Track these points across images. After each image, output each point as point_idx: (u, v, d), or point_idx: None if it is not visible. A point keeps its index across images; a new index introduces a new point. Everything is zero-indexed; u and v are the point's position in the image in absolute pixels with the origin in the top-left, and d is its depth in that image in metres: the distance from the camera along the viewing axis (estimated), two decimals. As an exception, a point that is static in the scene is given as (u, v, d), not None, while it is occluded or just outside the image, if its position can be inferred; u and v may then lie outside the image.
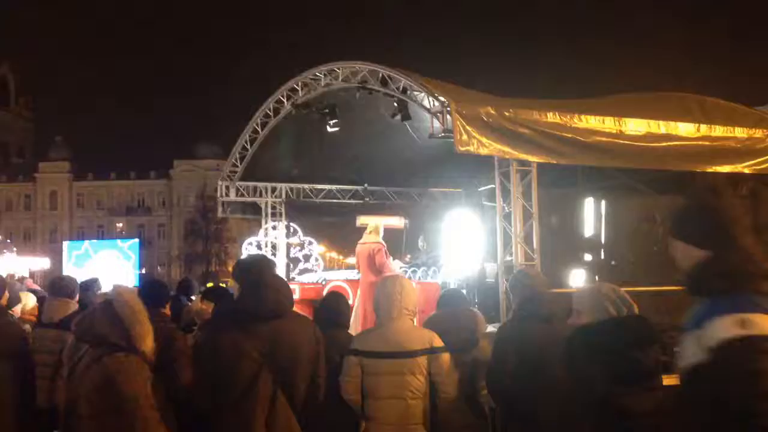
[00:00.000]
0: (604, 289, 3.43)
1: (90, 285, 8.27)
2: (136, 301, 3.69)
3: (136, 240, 44.43)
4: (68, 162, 74.92)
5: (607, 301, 3.34)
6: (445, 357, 4.45)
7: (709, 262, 2.37)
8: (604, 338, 3.10)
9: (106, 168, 75.50)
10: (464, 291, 8.89)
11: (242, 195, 15.40)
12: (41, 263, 35.30)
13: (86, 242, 43.87)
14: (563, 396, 3.23)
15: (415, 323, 4.64)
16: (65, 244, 42.76)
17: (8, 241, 38.90)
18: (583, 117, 8.85)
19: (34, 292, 7.87)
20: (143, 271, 39.53)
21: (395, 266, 10.64)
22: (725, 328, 2.19)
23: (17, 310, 6.05)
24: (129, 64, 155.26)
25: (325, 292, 9.17)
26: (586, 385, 3.03)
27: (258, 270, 4.02)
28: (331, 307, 4.96)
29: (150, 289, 4.78)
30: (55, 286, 5.74)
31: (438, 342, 4.47)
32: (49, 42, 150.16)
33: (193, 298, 8.12)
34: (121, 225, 73.00)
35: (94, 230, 72.00)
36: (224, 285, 8.71)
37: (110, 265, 34.37)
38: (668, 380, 3.00)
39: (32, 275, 26.34)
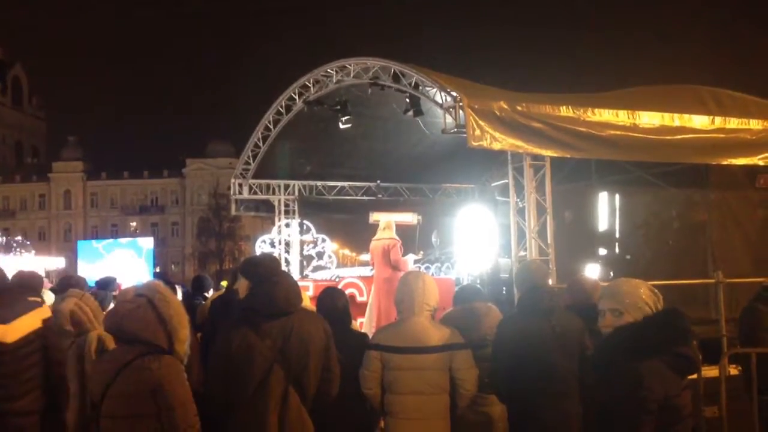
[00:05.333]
0: (642, 287, 3.36)
1: (107, 283, 8.33)
2: (177, 302, 3.59)
3: (151, 238, 44.57)
4: (81, 161, 75.34)
5: (644, 298, 3.28)
6: (465, 353, 4.47)
7: None
8: (653, 336, 3.04)
9: (119, 167, 75.88)
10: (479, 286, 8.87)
11: (255, 193, 15.42)
12: (56, 263, 35.46)
13: (95, 241, 44.09)
14: (594, 397, 3.15)
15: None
16: (79, 243, 42.96)
17: (28, 242, 39.05)
18: (596, 110, 8.81)
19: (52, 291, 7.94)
20: (157, 269, 39.68)
21: (410, 261, 10.63)
22: None
23: None
24: (141, 63, 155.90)
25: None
26: (633, 387, 2.95)
27: (267, 268, 4.02)
28: (326, 305, 4.92)
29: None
30: (64, 284, 5.79)
31: (458, 338, 4.49)
32: (60, 42, 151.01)
33: (207, 295, 8.15)
34: (134, 224, 73.36)
35: (108, 229, 72.39)
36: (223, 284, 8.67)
37: (125, 264, 34.51)
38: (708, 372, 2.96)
39: (48, 275, 26.51)
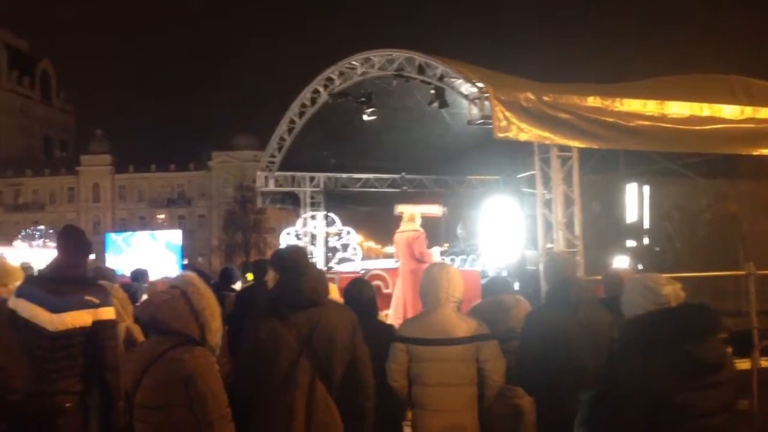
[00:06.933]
0: (647, 280, 3.28)
1: (139, 275, 8.44)
2: (210, 293, 3.61)
3: (179, 231, 44.92)
4: (109, 155, 76.16)
5: (647, 291, 3.20)
6: (492, 344, 4.45)
7: None
8: (657, 330, 2.96)
9: (146, 160, 76.54)
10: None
11: (281, 185, 15.49)
12: (86, 255, 35.86)
13: (123, 233, 44.47)
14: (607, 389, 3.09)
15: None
16: (107, 235, 43.39)
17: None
18: (624, 100, 8.70)
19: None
20: (186, 262, 40.00)
21: (436, 253, 10.60)
22: None
23: None
24: (167, 57, 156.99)
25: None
26: (640, 381, 2.89)
27: (294, 260, 4.04)
28: (353, 297, 4.94)
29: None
30: (93, 276, 5.86)
31: (484, 329, 4.47)
32: (87, 37, 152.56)
33: (234, 287, 8.20)
34: (162, 216, 74.06)
35: (135, 222, 73.11)
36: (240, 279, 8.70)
37: (153, 256, 34.83)
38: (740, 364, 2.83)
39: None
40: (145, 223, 71.63)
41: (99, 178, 76.48)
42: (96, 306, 4.17)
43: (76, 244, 4.39)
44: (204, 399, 3.33)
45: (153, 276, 8.99)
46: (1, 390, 3.51)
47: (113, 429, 4.27)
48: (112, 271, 6.84)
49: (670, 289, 3.19)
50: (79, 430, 4.14)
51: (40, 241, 44.75)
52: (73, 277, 4.24)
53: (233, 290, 7.85)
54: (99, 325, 4.18)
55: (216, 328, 3.53)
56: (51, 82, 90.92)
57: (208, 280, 4.87)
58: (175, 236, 41.23)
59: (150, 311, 3.61)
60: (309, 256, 14.34)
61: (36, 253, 28.15)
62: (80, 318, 4.12)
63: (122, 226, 68.28)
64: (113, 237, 42.07)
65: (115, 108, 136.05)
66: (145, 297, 6.35)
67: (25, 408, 3.65)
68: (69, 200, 77.20)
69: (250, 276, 9.36)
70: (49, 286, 4.19)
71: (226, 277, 8.37)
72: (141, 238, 40.76)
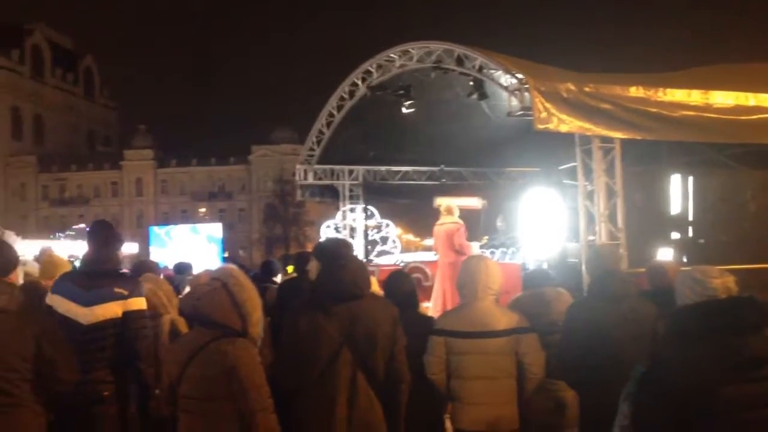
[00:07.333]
0: (696, 272, 3.26)
1: (184, 268, 8.58)
2: (251, 285, 3.63)
3: (219, 224, 45.42)
4: (152, 149, 77.29)
5: (696, 283, 3.18)
6: (532, 337, 4.41)
7: None
8: (702, 321, 2.91)
9: (187, 155, 77.51)
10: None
11: (320, 178, 15.57)
12: (130, 248, 36.52)
13: (166, 227, 45.09)
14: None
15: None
16: (150, 228, 44.09)
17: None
18: (668, 90, 8.56)
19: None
20: (226, 255, 40.45)
21: (475, 247, 10.57)
22: None
23: None
24: (207, 51, 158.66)
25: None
26: (684, 371, 2.85)
27: (336, 251, 4.06)
28: (392, 289, 4.93)
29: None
30: (139, 269, 5.98)
31: (524, 322, 4.43)
32: (129, 33, 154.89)
33: (275, 279, 8.26)
34: (203, 210, 74.97)
35: (177, 215, 74.09)
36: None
37: (195, 249, 35.28)
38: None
39: (122, 259, 27.30)
40: (187, 216, 72.56)
41: (142, 173, 77.69)
42: (125, 297, 4.28)
43: (106, 238, 4.51)
44: (246, 390, 3.36)
45: (196, 269, 9.11)
46: (50, 381, 3.62)
47: (151, 416, 4.39)
48: (156, 264, 6.96)
49: (720, 282, 3.14)
50: (116, 418, 4.26)
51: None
52: (104, 271, 4.36)
53: (274, 283, 7.90)
54: (129, 316, 4.29)
55: (257, 320, 3.55)
56: (94, 78, 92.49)
57: (248, 272, 4.92)
58: (216, 229, 41.70)
59: (192, 303, 3.68)
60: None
61: (81, 247, 28.73)
62: (110, 310, 4.24)
63: (165, 220, 69.24)
64: (156, 230, 42.76)
65: (157, 103, 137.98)
66: (188, 289, 6.45)
67: (69, 398, 3.77)
68: (113, 194, 78.56)
69: (290, 268, 9.41)
70: (81, 281, 4.33)
71: (267, 270, 8.42)
72: (183, 231, 41.31)
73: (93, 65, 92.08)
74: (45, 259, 6.12)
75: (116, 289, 4.27)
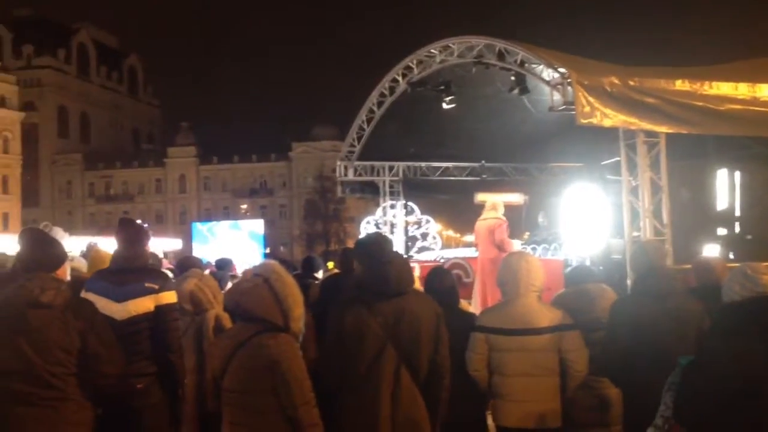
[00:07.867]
0: (747, 268, 3.29)
1: (225, 264, 8.67)
2: (292, 281, 3.67)
3: (261, 221, 45.78)
4: (194, 147, 78.34)
5: (746, 279, 3.19)
6: (575, 334, 4.37)
7: None
8: (749, 317, 2.88)
9: (229, 152, 78.38)
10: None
11: (360, 174, 15.60)
12: (173, 244, 37.06)
13: (209, 223, 45.60)
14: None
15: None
16: (193, 225, 44.65)
17: (146, 225, 41.00)
18: (714, 84, 8.39)
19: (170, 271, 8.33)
20: (268, 251, 40.78)
21: (516, 245, 10.48)
22: None
23: None
24: (248, 50, 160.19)
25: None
26: (729, 365, 2.82)
27: (379, 248, 4.07)
28: (433, 285, 4.92)
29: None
30: (183, 265, 6.07)
31: (567, 319, 4.39)
32: (172, 31, 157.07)
33: (317, 275, 8.31)
34: (245, 206, 75.75)
35: (220, 211, 75.05)
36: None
37: (237, 245, 35.62)
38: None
39: (165, 255, 27.72)
40: (229, 212, 73.42)
41: (185, 170, 78.78)
42: (156, 291, 4.37)
43: (134, 235, 4.59)
44: (288, 384, 3.39)
45: (237, 265, 9.19)
46: (96, 376, 3.69)
47: (182, 406, 4.47)
48: (199, 260, 7.05)
49: None
50: (160, 409, 4.35)
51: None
52: (134, 267, 4.46)
53: (316, 279, 7.95)
54: (161, 309, 4.38)
55: (299, 315, 3.58)
56: (138, 76, 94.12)
57: (291, 269, 4.96)
58: (258, 226, 42.01)
59: (234, 299, 3.73)
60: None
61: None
62: (143, 304, 4.33)
63: (207, 216, 70.17)
64: (199, 227, 43.27)
65: (200, 101, 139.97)
66: (230, 285, 6.52)
67: (111, 391, 3.86)
68: (156, 191, 79.83)
69: (331, 265, 9.47)
70: (112, 278, 4.42)
71: (309, 266, 8.46)
72: (225, 227, 41.76)
73: (137, 64, 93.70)
74: (92, 255, 6.25)
75: (147, 284, 4.37)
